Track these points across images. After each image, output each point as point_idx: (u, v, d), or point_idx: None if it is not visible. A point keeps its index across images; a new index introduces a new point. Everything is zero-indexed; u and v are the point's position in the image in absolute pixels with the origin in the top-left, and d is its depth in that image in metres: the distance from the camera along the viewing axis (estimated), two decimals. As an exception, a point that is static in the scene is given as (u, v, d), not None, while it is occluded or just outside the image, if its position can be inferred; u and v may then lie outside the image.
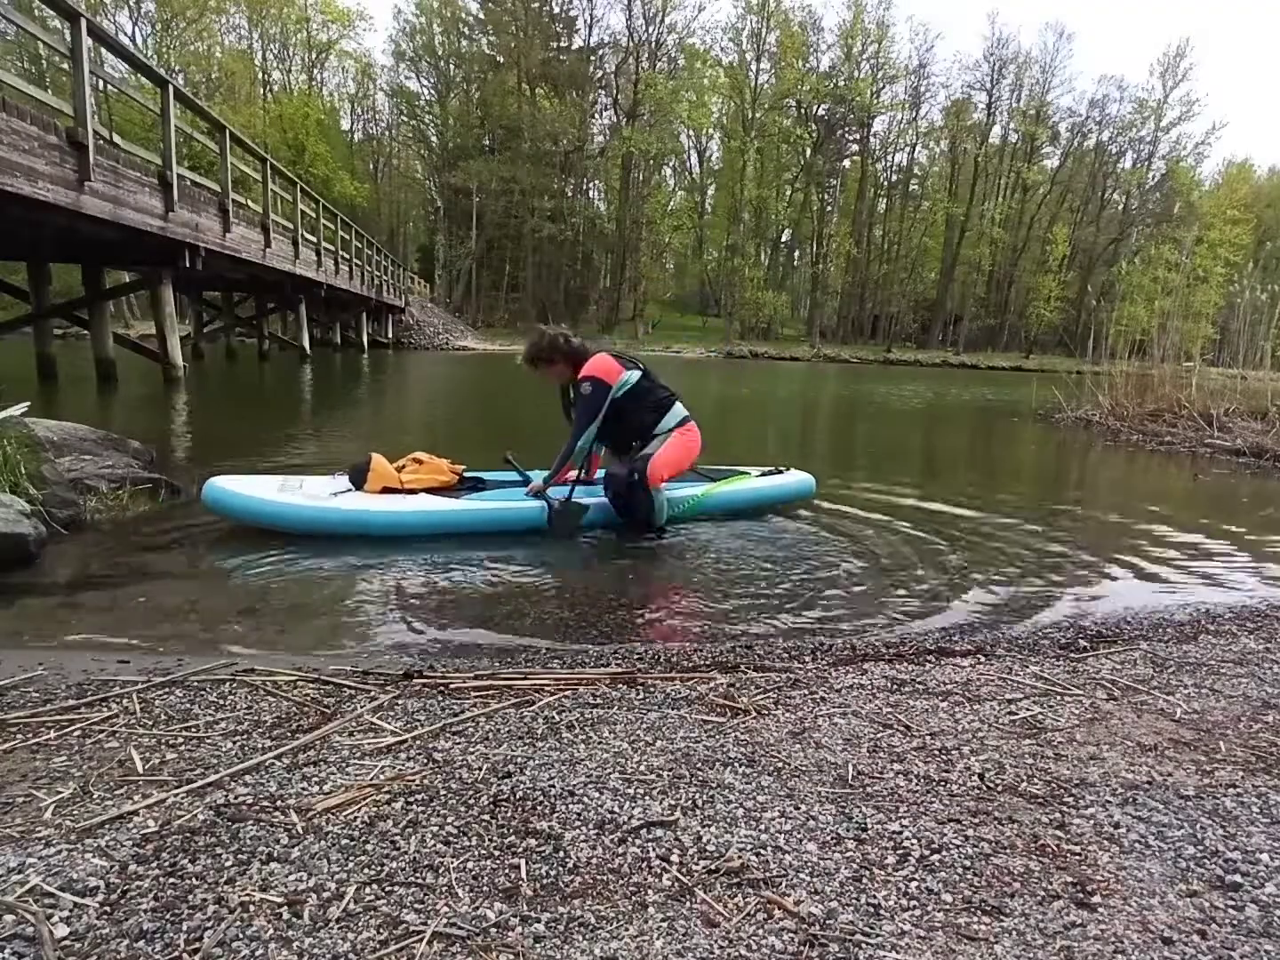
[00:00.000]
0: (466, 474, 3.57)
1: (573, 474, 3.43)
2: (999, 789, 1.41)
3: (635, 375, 3.36)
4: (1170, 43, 71.84)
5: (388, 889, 1.07)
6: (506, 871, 1.11)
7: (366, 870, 1.10)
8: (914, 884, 1.12)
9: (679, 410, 3.47)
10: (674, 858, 1.16)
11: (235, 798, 1.28)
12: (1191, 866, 1.19)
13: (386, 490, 3.28)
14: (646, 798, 1.33)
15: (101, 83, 12.02)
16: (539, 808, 1.28)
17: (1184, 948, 1.01)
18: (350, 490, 3.26)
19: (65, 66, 7.00)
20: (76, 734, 1.50)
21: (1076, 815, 1.33)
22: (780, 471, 4.06)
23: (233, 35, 38.48)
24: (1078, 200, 48.60)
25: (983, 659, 2.16)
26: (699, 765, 1.45)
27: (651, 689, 1.84)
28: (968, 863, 1.18)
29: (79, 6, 6.33)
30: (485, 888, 1.08)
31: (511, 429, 6.37)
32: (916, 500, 4.54)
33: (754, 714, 1.70)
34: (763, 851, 1.18)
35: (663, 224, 45.49)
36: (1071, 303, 46.24)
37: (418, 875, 1.10)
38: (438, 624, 2.39)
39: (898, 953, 0.98)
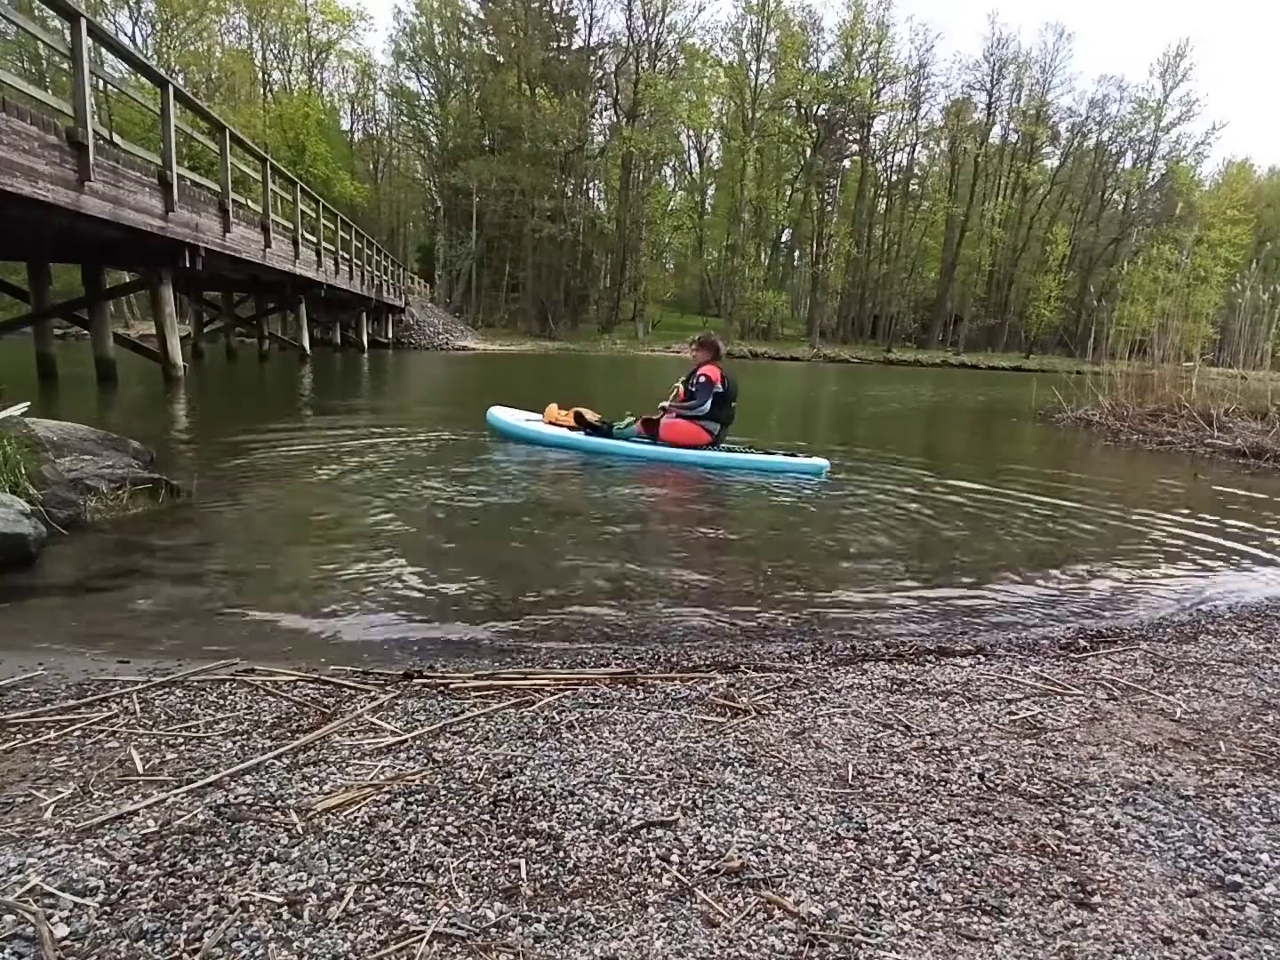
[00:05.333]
0: (602, 422, 5.72)
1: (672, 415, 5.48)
2: (999, 789, 1.41)
3: (721, 388, 5.39)
4: (1170, 43, 71.81)
5: (388, 889, 1.07)
6: (506, 871, 1.11)
7: (366, 870, 1.10)
8: (914, 884, 1.12)
9: (715, 423, 5.44)
10: (674, 858, 1.16)
11: (235, 798, 1.28)
12: (1191, 866, 1.20)
13: (552, 423, 5.77)
14: (646, 798, 1.33)
15: (101, 83, 12.04)
16: (539, 808, 1.28)
17: (1184, 948, 1.01)
18: (538, 419, 5.89)
19: (65, 66, 7.00)
20: (76, 734, 1.50)
21: (1076, 815, 1.33)
22: (794, 455, 5.39)
23: (233, 35, 38.47)
24: (1078, 200, 48.56)
25: (983, 659, 2.16)
26: (699, 765, 1.45)
27: (651, 689, 1.84)
28: (968, 863, 1.18)
29: (79, 6, 6.33)
30: (485, 888, 1.08)
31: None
32: (916, 500, 4.54)
33: (754, 714, 1.70)
34: (763, 851, 1.18)
35: (663, 224, 45.43)
36: (1071, 303, 46.21)
37: (418, 875, 1.10)
38: (438, 624, 2.39)
39: (898, 953, 0.98)
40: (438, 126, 43.74)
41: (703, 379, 5.35)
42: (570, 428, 5.68)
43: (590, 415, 5.72)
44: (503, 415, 5.99)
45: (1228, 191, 47.15)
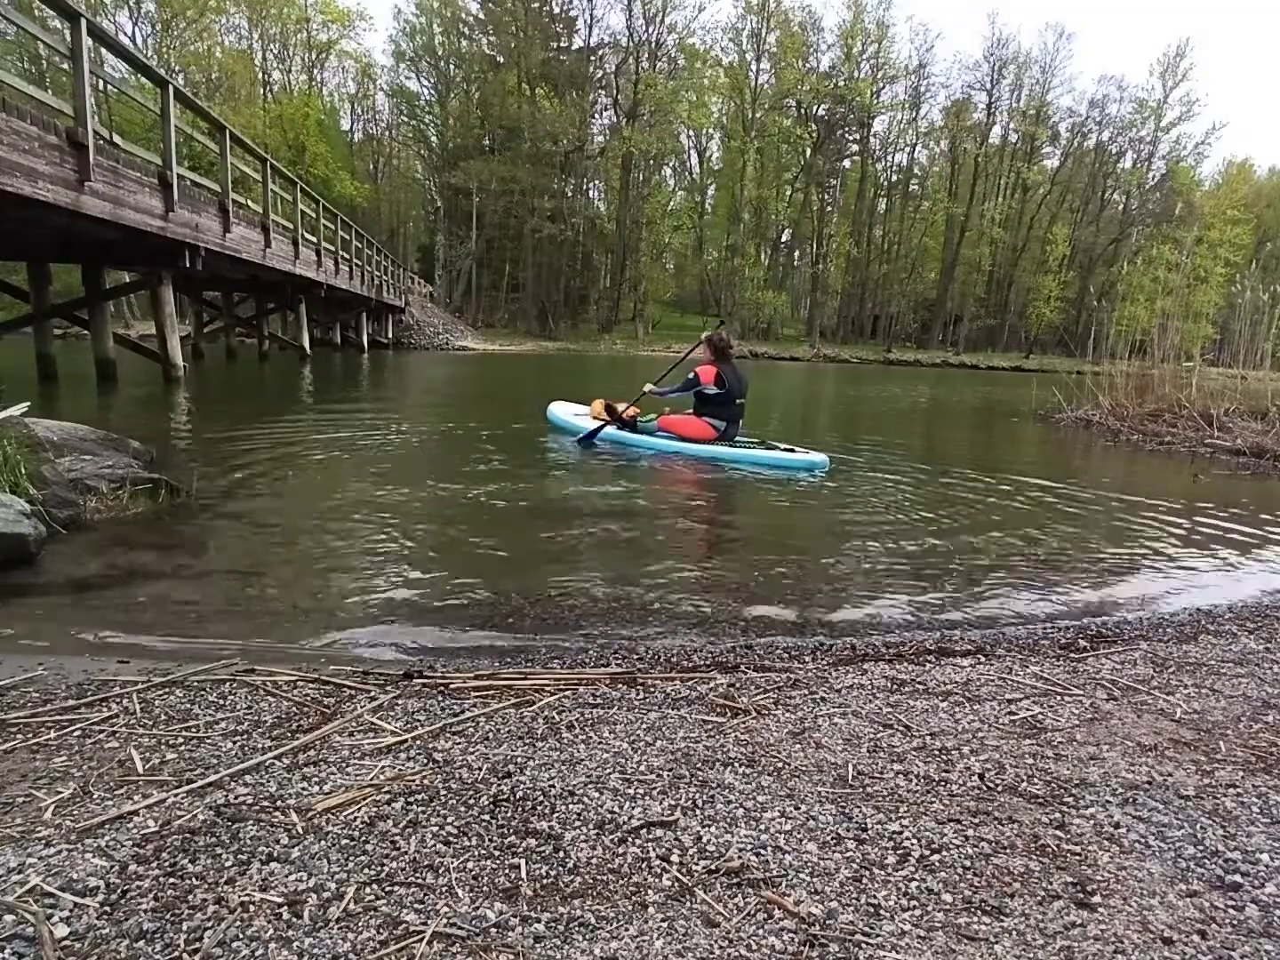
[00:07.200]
0: (634, 417, 6.13)
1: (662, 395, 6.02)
2: (999, 789, 1.41)
3: (714, 389, 5.65)
4: (1170, 43, 71.64)
5: (388, 889, 1.07)
6: (506, 871, 1.11)
7: (366, 870, 1.10)
8: (914, 884, 1.12)
9: (719, 422, 5.69)
10: (674, 858, 1.16)
11: (235, 798, 1.28)
12: (1191, 866, 1.20)
13: (596, 417, 6.10)
14: (646, 798, 1.33)
15: (101, 83, 12.02)
16: (539, 808, 1.28)
17: (1184, 948, 1.01)
18: (584, 414, 6.33)
19: (65, 66, 7.00)
20: (76, 734, 1.50)
21: (1076, 815, 1.33)
22: (793, 450, 5.44)
23: (233, 35, 38.36)
24: (1078, 200, 48.52)
25: (983, 659, 2.16)
26: (699, 765, 1.45)
27: (651, 689, 1.84)
28: (968, 863, 1.18)
29: (79, 6, 6.33)
30: (485, 888, 1.08)
31: (512, 420, 6.45)
32: (915, 499, 4.54)
33: (754, 714, 1.70)
34: (763, 851, 1.18)
35: (663, 224, 45.39)
36: (1071, 303, 46.15)
37: (418, 875, 1.10)
38: (438, 624, 2.39)
39: (898, 953, 0.98)
40: (438, 126, 43.71)
41: (691, 375, 5.73)
42: (606, 421, 6.09)
43: (622, 410, 6.14)
44: (557, 410, 6.62)
45: (1228, 191, 47.11)
